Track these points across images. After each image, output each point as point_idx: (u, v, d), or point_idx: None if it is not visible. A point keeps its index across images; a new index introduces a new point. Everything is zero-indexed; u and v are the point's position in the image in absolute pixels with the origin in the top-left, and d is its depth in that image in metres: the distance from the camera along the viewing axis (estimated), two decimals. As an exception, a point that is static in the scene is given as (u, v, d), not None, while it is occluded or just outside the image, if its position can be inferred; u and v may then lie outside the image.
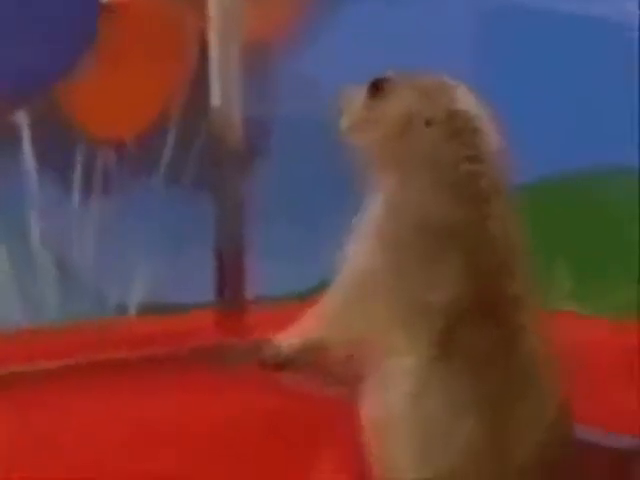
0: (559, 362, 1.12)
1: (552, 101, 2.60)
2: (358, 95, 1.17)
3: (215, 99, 2.07)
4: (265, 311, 1.93)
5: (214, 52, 2.07)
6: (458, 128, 1.11)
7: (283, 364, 1.18)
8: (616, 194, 2.63)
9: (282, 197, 2.58)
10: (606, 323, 2.14)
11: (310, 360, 1.17)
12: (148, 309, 2.61)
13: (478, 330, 1.07)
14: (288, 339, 1.18)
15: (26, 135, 2.58)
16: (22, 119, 2.58)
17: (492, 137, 1.13)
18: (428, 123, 1.11)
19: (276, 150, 2.70)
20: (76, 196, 2.64)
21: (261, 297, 2.16)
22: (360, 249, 1.12)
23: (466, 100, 1.13)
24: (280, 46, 2.74)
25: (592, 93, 2.57)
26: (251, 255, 2.06)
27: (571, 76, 2.59)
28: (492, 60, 2.62)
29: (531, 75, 2.62)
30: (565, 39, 2.62)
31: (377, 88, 1.15)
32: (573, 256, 2.59)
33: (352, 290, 1.12)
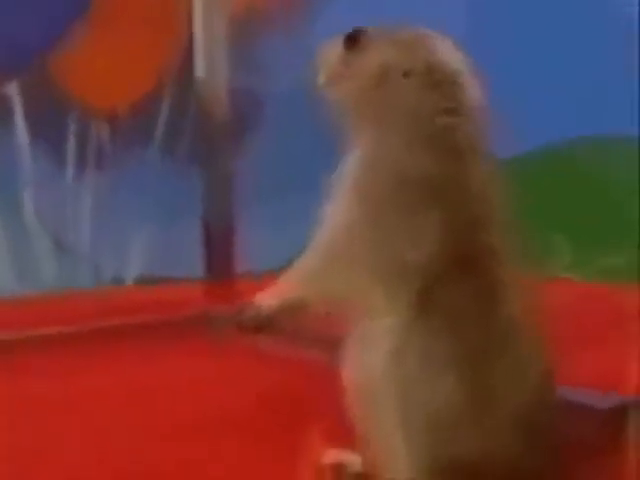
0: (542, 321, 1.10)
1: (553, 73, 2.58)
2: (334, 49, 1.15)
3: (199, 70, 2.04)
4: (254, 282, 1.92)
5: (198, 21, 2.03)
6: (436, 80, 1.08)
7: (262, 326, 1.16)
8: (616, 163, 2.61)
9: (274, 172, 2.54)
10: (604, 288, 2.13)
11: (289, 320, 1.15)
12: (142, 281, 2.60)
13: (456, 287, 1.05)
14: (267, 300, 1.16)
15: (18, 107, 2.56)
16: (13, 90, 2.56)
17: (471, 91, 1.10)
18: (406, 74, 1.09)
19: (271, 123, 2.67)
20: (70, 168, 2.63)
21: (252, 271, 2.14)
22: (337, 205, 1.10)
23: (446, 52, 1.11)
24: (277, 17, 2.71)
25: (593, 66, 2.54)
26: (240, 228, 2.05)
27: (572, 50, 2.56)
28: (491, 34, 2.59)
29: (534, 49, 2.59)
30: (564, 13, 2.59)
31: (353, 41, 1.13)
32: (572, 222, 2.57)
33: (330, 246, 1.10)
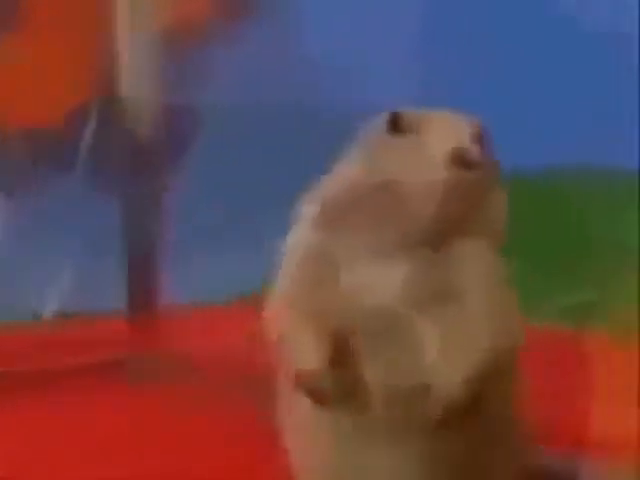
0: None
1: (545, 96, 2.50)
2: None
3: (126, 87, 1.92)
4: (178, 319, 1.82)
5: (122, 34, 1.93)
6: None
7: None
8: (596, 194, 2.53)
9: (211, 199, 2.41)
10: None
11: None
12: (61, 316, 2.44)
13: None
14: None
15: None
16: None
17: None
18: None
19: (208, 143, 2.54)
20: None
21: (179, 305, 2.01)
22: None
23: None
24: (216, 27, 2.59)
25: (587, 90, 2.46)
26: (163, 260, 1.92)
27: (568, 71, 2.48)
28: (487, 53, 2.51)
29: (526, 73, 2.51)
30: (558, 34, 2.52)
31: None
32: (542, 256, 2.48)
33: None
